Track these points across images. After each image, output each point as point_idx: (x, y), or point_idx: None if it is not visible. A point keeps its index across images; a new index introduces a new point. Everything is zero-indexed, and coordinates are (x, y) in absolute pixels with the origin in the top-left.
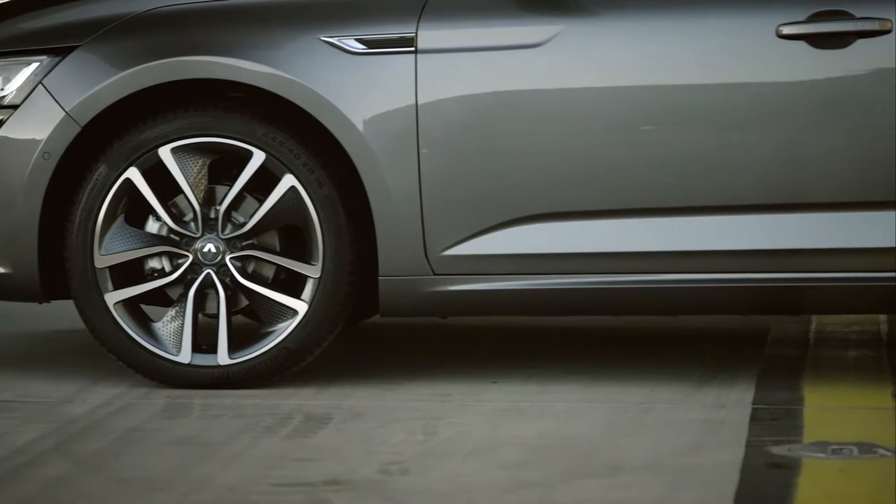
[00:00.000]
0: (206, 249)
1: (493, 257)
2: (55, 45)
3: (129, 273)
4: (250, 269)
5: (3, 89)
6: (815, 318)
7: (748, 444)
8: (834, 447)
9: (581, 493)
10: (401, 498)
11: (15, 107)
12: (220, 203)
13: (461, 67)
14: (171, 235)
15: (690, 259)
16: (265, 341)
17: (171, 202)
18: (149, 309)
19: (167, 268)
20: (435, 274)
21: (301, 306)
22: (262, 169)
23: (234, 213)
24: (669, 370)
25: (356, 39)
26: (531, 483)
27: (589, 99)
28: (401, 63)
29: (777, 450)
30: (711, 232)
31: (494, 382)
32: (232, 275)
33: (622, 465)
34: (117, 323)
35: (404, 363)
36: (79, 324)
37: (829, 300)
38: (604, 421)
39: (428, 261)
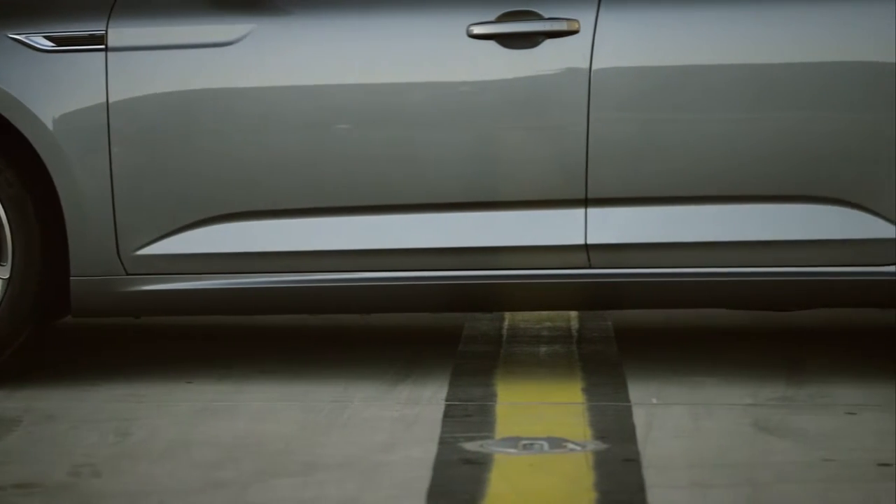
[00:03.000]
0: None
1: (186, 257)
2: None
3: None
4: None
5: None
6: (507, 315)
7: (441, 441)
8: (525, 442)
9: (275, 491)
10: (92, 501)
11: None
12: None
13: (152, 66)
14: None
15: (384, 257)
16: None
17: None
18: None
19: None
20: (128, 274)
21: None
22: None
23: None
24: (364, 368)
25: (45, 37)
26: (225, 482)
27: (281, 98)
28: (91, 61)
29: (469, 446)
30: (405, 230)
31: (189, 382)
32: None
33: (316, 464)
34: None
35: (97, 364)
36: None
37: (521, 297)
38: (298, 419)
39: (121, 260)
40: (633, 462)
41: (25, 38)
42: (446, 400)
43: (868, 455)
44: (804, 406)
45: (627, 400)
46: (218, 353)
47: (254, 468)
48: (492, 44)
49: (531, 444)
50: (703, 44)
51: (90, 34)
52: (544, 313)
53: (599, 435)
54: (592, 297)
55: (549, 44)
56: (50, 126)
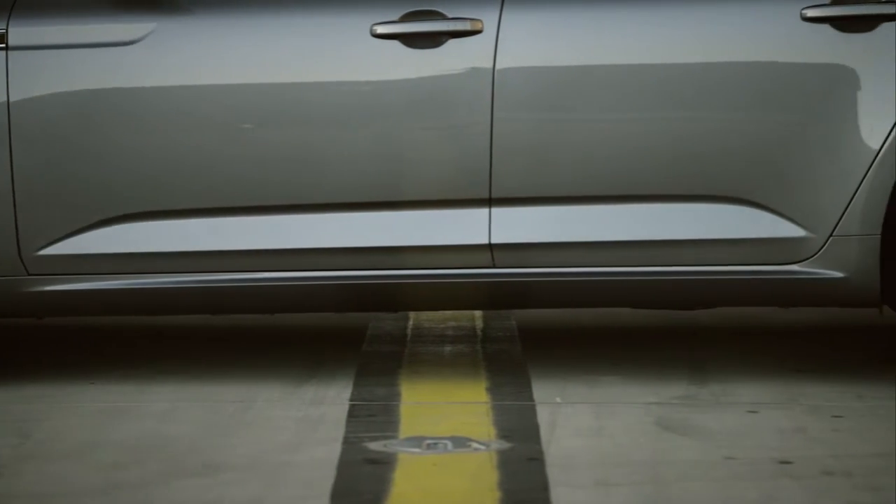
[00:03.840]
0: None
1: (89, 257)
2: None
3: None
4: None
5: None
6: (412, 314)
7: (345, 441)
8: (429, 442)
9: (179, 493)
10: None
11: None
12: None
13: (54, 64)
14: None
15: (289, 257)
16: None
17: None
18: None
19: None
20: (29, 274)
21: None
22: None
23: None
24: (269, 368)
25: None
26: (128, 484)
27: (185, 97)
28: None
29: (374, 445)
30: (309, 230)
31: (92, 384)
32: None
33: (221, 464)
34: None
35: None
36: None
37: (426, 297)
38: (202, 420)
39: (22, 261)
40: (536, 461)
41: None
42: (350, 400)
43: (769, 453)
44: (706, 404)
45: (531, 399)
46: (122, 354)
47: (158, 469)
48: (395, 43)
49: (435, 444)
50: (607, 44)
51: None
52: (448, 313)
53: (503, 434)
54: (496, 296)
55: (452, 43)
56: None
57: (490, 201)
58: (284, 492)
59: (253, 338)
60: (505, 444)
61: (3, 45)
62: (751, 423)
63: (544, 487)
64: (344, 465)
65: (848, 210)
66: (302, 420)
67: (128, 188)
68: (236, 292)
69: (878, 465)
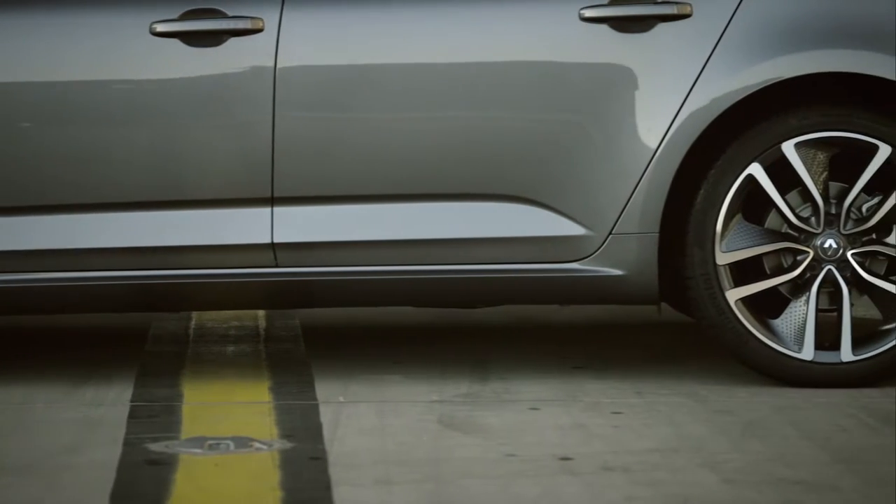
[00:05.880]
0: None
1: None
2: None
3: None
4: None
5: None
6: (195, 314)
7: (126, 442)
8: (211, 442)
9: None
10: None
11: None
12: None
13: None
14: None
15: (71, 257)
16: None
17: None
18: None
19: None
20: None
21: None
22: None
23: None
24: (47, 370)
25: None
26: None
27: None
28: None
29: (155, 447)
30: (91, 229)
31: None
32: None
33: None
34: None
35: None
36: None
37: (208, 296)
38: None
39: None
40: (319, 460)
41: None
42: (131, 401)
43: (550, 449)
44: (488, 402)
45: (314, 398)
46: None
47: None
48: (176, 42)
49: (217, 444)
50: (388, 43)
51: None
52: (232, 312)
53: (286, 434)
54: (279, 295)
55: (233, 42)
56: None
57: (272, 200)
58: (63, 494)
59: (31, 338)
60: (287, 444)
61: None
62: (532, 420)
63: (326, 487)
64: (124, 467)
65: (626, 209)
66: (81, 421)
67: None
68: (17, 292)
69: (657, 460)
